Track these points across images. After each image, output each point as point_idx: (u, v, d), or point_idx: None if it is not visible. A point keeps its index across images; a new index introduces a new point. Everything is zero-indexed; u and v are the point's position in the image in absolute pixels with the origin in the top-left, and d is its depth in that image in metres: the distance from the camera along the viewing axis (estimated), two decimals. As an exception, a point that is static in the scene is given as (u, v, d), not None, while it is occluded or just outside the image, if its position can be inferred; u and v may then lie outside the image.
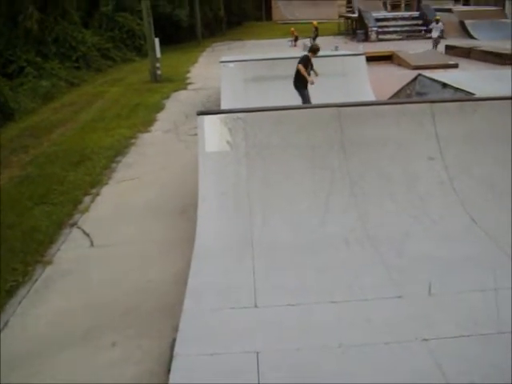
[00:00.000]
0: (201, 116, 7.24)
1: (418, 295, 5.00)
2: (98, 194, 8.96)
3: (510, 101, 7.44)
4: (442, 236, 6.04)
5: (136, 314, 5.40)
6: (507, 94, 7.84)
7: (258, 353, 4.29)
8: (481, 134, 7.19)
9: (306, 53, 12.86)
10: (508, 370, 4.00)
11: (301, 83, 12.11)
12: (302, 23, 49.57)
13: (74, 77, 24.54)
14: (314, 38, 33.65)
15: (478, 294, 4.96)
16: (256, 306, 4.95)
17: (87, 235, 7.34)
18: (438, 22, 27.62)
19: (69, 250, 6.97)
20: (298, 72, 12.02)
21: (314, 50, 12.40)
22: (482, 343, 4.33)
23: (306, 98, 12.15)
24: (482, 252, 5.70)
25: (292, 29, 37.42)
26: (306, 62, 12.06)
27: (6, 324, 5.36)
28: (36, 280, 6.21)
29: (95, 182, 9.52)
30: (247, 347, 4.37)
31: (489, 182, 6.80)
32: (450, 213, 6.42)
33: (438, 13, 36.16)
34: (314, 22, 35.71)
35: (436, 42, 27.57)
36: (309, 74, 12.00)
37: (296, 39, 35.45)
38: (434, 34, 27.70)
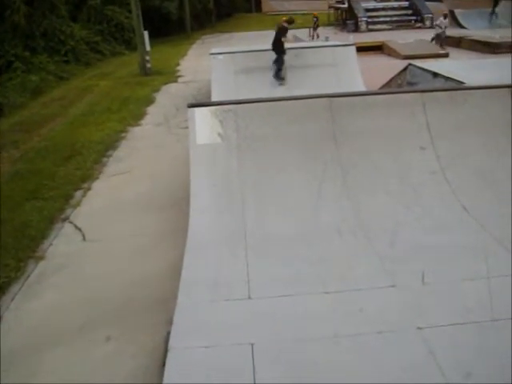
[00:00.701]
0: (191, 108, 7.22)
1: (411, 284, 5.02)
2: (89, 189, 8.92)
3: (500, 89, 7.46)
4: (434, 225, 6.05)
5: (130, 308, 5.39)
6: (497, 82, 7.86)
7: (252, 344, 4.29)
8: (471, 123, 7.21)
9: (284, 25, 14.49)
10: (501, 356, 4.04)
11: (279, 48, 13.84)
12: (292, 14, 49.28)
13: (63, 71, 24.38)
14: (315, 29, 33.17)
15: (471, 283, 4.99)
16: (250, 298, 4.94)
17: (79, 230, 7.31)
18: (445, 17, 25.17)
19: (61, 244, 6.94)
20: (277, 40, 13.88)
21: (290, 21, 14.65)
22: (476, 331, 4.36)
23: (281, 61, 13.91)
24: (474, 240, 5.72)
25: (284, 18, 36.79)
26: (285, 32, 14.05)
27: (-1, 320, 5.35)
28: (29, 275, 6.18)
29: (86, 176, 9.47)
30: (242, 339, 4.37)
31: (480, 170, 6.82)
32: (442, 202, 6.43)
33: (427, 3, 36.12)
34: (315, 13, 35.16)
35: (440, 39, 24.81)
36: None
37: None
38: (439, 30, 24.86)
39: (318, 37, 31.45)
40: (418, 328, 4.39)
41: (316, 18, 33.97)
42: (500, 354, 4.08)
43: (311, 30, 32.65)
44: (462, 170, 6.81)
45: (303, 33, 31.10)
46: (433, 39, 25.28)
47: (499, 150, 7.02)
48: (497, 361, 4.02)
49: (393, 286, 5.01)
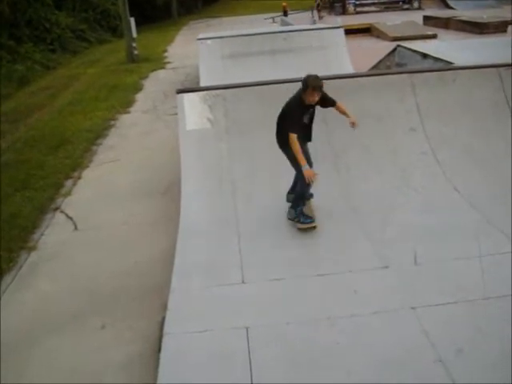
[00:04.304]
0: (180, 94, 7.18)
1: (403, 265, 5.05)
2: (79, 178, 8.87)
3: (488, 69, 7.49)
4: (425, 206, 6.08)
5: (124, 296, 5.39)
6: (485, 62, 7.87)
7: (247, 328, 4.31)
8: (460, 104, 7.23)
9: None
10: (492, 333, 4.09)
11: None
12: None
13: (49, 60, 24.16)
14: (319, 10, 31.87)
15: (463, 262, 5.03)
16: (243, 282, 4.96)
17: (70, 219, 7.27)
18: None
19: (53, 234, 6.91)
20: (280, 127, 5.78)
21: (314, 85, 5.44)
22: (468, 309, 4.40)
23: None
24: (465, 220, 5.76)
25: (284, 4, 35.35)
26: (298, 114, 5.57)
27: (-8, 311, 5.33)
28: (21, 266, 6.15)
29: (76, 165, 9.42)
30: (236, 323, 4.39)
31: (470, 151, 6.85)
32: (433, 183, 6.47)
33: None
34: None
35: None
36: (308, 128, 5.81)
37: (285, 14, 33.84)
38: None
39: (320, 18, 30.20)
40: (412, 308, 4.43)
41: None
42: (491, 330, 4.14)
43: (313, 11, 31.32)
44: (452, 151, 6.84)
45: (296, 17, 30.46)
46: None
47: (488, 129, 7.06)
48: (487, 337, 4.07)
49: (386, 267, 5.04)
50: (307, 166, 5.37)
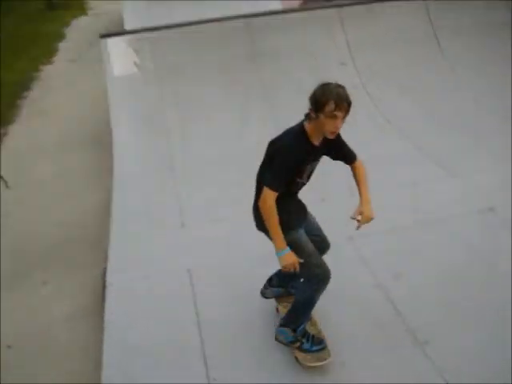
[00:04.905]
0: (104, 39, 6.92)
1: (338, 197, 5.10)
2: (5, 134, 8.51)
3: (414, 2, 7.56)
4: (358, 139, 6.12)
5: (63, 250, 5.31)
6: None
7: (189, 270, 4.33)
8: (389, 37, 7.32)
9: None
10: (428, 257, 4.27)
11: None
12: None
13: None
14: None
15: (397, 191, 5.19)
16: (183, 226, 4.96)
17: (1, 177, 7.01)
18: None
19: (-16, 195, 6.65)
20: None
21: (338, 96, 3.05)
22: (404, 235, 4.60)
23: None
24: (398, 151, 5.89)
25: None
26: (296, 159, 3.19)
27: None
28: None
29: (1, 121, 9.01)
30: (178, 266, 4.41)
31: (400, 82, 6.97)
32: (364, 115, 6.54)
33: None
34: None
35: None
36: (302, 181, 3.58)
37: None
38: None
39: None
40: (349, 237, 4.54)
41: None
42: (427, 254, 4.33)
43: None
44: (382, 84, 6.93)
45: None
46: None
47: (417, 61, 7.19)
48: (424, 261, 4.25)
49: (322, 200, 5.11)
50: (288, 250, 3.16)
